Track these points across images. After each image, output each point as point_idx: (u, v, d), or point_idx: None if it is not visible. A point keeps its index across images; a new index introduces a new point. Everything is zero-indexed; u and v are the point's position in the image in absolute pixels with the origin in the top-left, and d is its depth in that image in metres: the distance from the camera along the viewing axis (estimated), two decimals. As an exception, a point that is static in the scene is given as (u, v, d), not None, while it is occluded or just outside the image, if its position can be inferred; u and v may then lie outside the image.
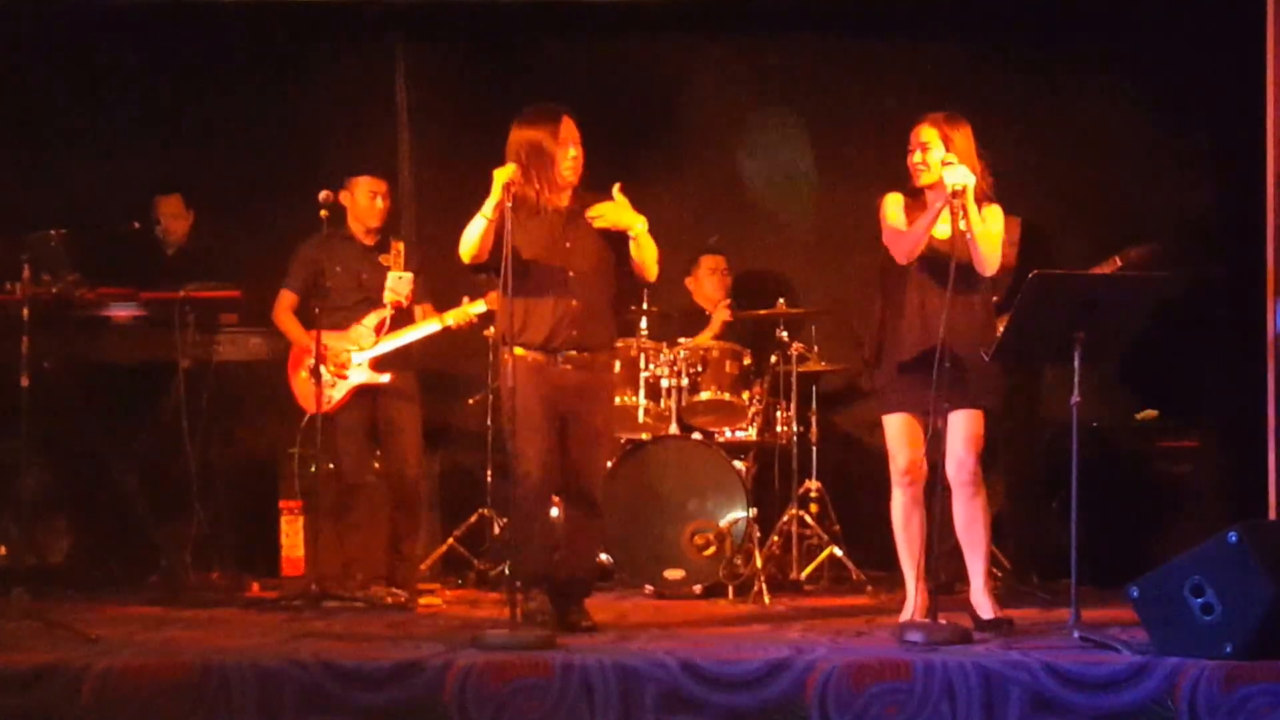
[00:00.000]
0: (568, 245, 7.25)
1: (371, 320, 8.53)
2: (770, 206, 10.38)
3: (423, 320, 8.59)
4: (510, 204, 6.96)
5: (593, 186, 7.37)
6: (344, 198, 8.60)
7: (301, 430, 8.34)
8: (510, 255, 6.87)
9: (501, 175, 7.03)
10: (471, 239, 7.15)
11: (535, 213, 7.22)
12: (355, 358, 8.47)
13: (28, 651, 6.40)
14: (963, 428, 7.14)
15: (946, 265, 6.88)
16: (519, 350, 7.13)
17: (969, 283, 7.09)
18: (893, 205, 7.25)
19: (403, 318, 8.60)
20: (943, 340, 6.73)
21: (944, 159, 7.00)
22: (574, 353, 7.22)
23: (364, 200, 8.59)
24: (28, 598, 7.53)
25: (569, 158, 7.23)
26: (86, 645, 6.61)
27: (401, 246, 8.66)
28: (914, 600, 7.27)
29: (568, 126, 7.25)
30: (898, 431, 7.23)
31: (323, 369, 8.35)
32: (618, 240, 7.29)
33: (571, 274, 7.22)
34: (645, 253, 7.29)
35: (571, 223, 7.28)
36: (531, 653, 6.24)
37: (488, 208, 7.08)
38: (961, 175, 6.91)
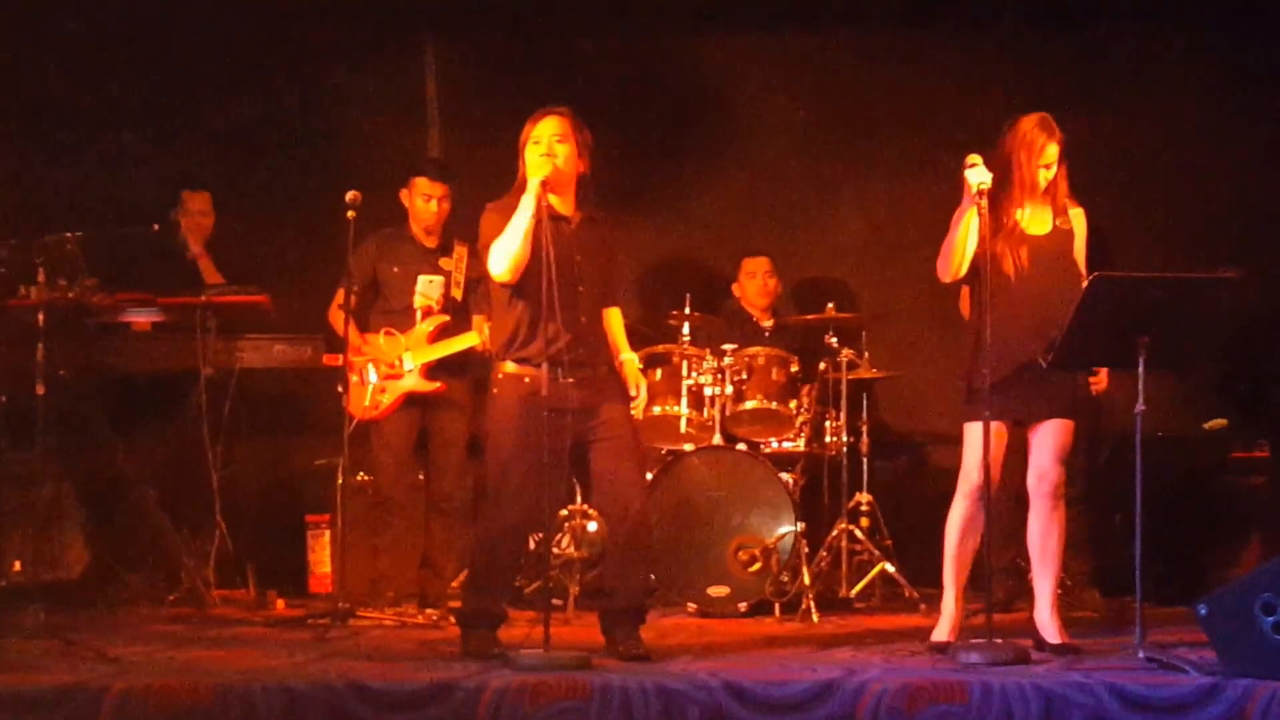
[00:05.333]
0: (578, 258, 6.94)
1: (427, 325, 8.43)
2: (817, 208, 10.27)
3: (473, 331, 8.45)
4: (547, 203, 6.75)
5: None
6: (404, 196, 8.61)
7: (350, 437, 8.13)
8: (544, 264, 6.63)
9: (539, 172, 6.76)
10: (514, 249, 6.78)
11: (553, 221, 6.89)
12: (406, 363, 8.37)
13: (44, 671, 6.29)
14: (1052, 438, 6.98)
15: (1045, 262, 6.86)
16: (510, 367, 6.93)
17: (1068, 281, 6.93)
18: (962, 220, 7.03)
19: (461, 324, 8.49)
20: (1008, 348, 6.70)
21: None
22: (580, 369, 6.91)
23: (419, 202, 8.56)
24: (44, 615, 7.42)
25: (537, 155, 6.86)
26: (105, 665, 6.49)
27: (465, 250, 8.55)
28: (951, 616, 7.11)
29: (546, 125, 6.93)
30: (981, 442, 6.90)
31: (373, 372, 8.33)
32: (614, 254, 7.19)
33: (581, 289, 6.93)
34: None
35: (581, 233, 6.99)
36: (568, 673, 6.09)
37: (527, 210, 6.77)
38: (981, 174, 6.82)
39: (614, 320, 7.21)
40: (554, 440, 6.67)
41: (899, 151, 10.03)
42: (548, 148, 6.86)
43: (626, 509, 6.95)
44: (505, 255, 6.80)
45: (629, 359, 7.19)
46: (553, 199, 6.82)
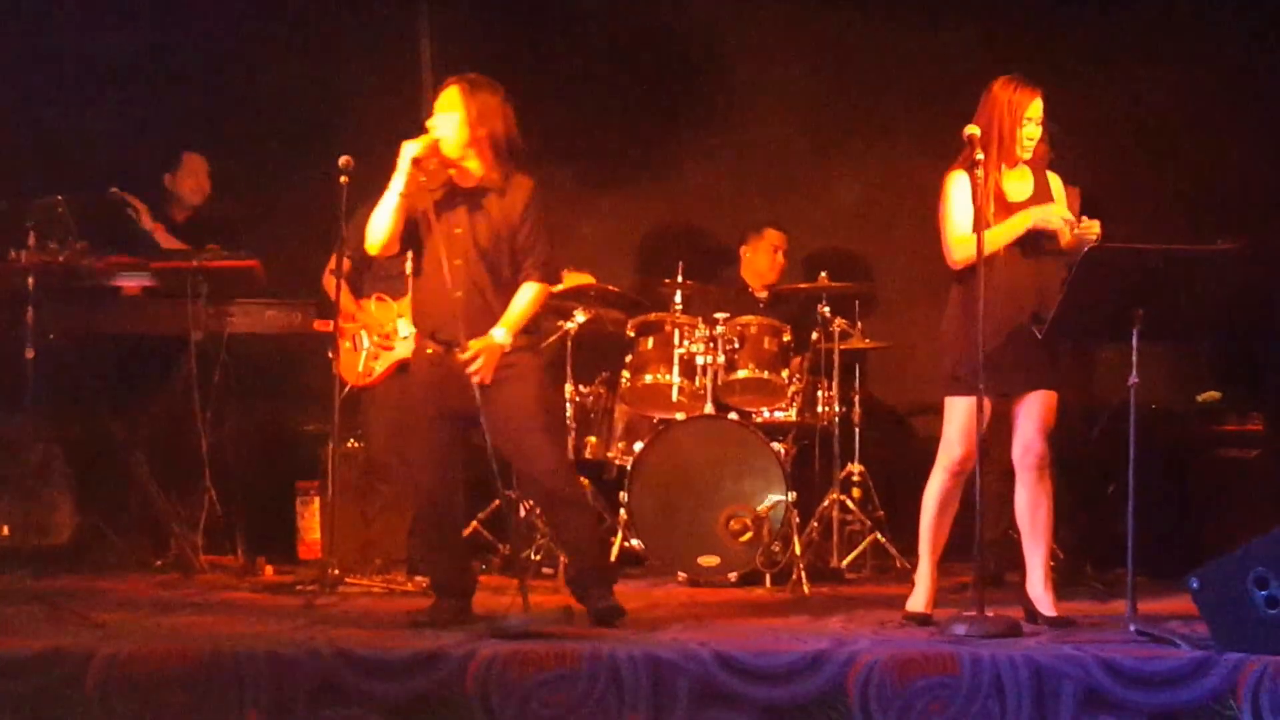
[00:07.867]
0: (457, 231, 6.85)
1: None
2: (813, 176, 10.24)
3: None
4: (424, 178, 6.72)
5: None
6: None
7: (343, 404, 8.10)
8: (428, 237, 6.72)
9: (410, 148, 6.74)
10: (376, 224, 6.79)
11: (445, 192, 6.88)
12: (401, 330, 8.30)
13: (30, 636, 6.25)
14: (1037, 410, 6.95)
15: (1032, 236, 6.82)
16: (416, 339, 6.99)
17: (1052, 254, 6.93)
18: (960, 190, 6.93)
19: None
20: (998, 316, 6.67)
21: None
22: (457, 345, 6.80)
23: None
24: (31, 580, 7.49)
25: (432, 128, 6.83)
26: (91, 630, 6.47)
27: None
28: (927, 587, 7.11)
29: (440, 98, 6.92)
30: (966, 416, 6.88)
31: (367, 338, 8.28)
32: (519, 224, 6.90)
33: (457, 262, 6.80)
34: None
35: (470, 205, 6.88)
36: (557, 643, 6.07)
37: (394, 185, 6.74)
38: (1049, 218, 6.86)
39: (523, 294, 6.89)
40: (442, 408, 6.78)
41: (896, 120, 10.00)
42: (434, 120, 6.84)
43: (534, 471, 6.93)
44: (370, 229, 6.84)
45: (489, 336, 6.78)
46: (451, 171, 6.80)
